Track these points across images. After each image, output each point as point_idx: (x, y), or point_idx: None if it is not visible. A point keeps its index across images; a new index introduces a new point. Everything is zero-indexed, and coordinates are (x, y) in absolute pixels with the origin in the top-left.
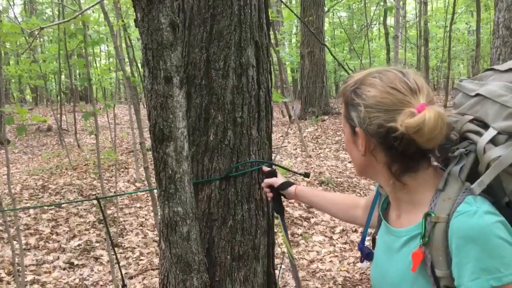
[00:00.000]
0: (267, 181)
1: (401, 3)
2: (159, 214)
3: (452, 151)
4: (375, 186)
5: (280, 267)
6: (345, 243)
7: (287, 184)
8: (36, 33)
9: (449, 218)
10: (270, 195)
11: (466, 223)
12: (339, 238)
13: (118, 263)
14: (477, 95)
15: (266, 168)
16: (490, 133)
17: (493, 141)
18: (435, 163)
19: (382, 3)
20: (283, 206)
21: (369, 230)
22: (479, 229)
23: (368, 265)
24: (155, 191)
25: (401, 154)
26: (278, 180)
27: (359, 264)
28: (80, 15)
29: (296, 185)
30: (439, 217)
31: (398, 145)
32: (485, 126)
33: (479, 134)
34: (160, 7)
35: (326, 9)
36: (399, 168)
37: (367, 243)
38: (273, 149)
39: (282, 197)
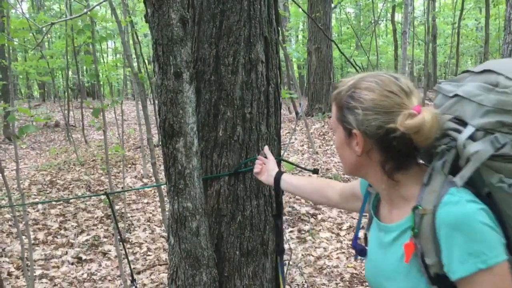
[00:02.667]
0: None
1: None
2: (168, 209)
3: (435, 147)
4: (360, 183)
5: (288, 263)
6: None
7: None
8: (45, 29)
9: (435, 209)
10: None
11: (451, 212)
12: (346, 234)
13: (127, 258)
14: (455, 95)
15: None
16: (468, 130)
17: (472, 137)
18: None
19: None
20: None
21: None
22: (463, 216)
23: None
24: (163, 186)
25: (397, 153)
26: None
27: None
28: (88, 12)
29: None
30: (426, 209)
31: (396, 145)
32: (464, 124)
33: (459, 131)
34: (170, 2)
35: (333, 5)
36: (393, 166)
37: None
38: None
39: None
